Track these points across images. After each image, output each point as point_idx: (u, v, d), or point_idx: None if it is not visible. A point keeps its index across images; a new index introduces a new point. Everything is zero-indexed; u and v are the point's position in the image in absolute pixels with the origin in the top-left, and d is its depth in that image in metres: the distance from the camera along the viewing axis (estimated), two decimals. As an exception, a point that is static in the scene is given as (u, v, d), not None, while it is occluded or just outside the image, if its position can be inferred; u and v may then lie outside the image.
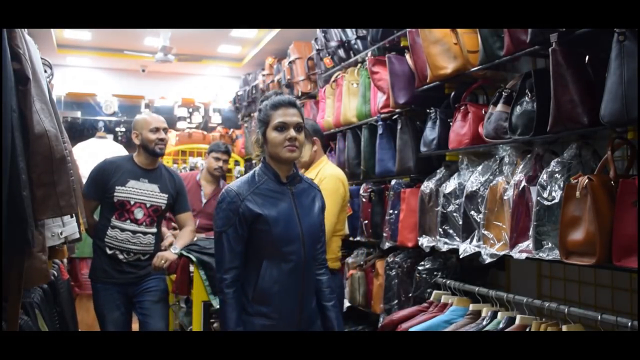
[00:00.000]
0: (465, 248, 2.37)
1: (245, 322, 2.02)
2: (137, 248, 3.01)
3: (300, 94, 4.74)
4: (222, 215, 2.03)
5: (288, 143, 2.03)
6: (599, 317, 1.85)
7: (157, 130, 3.06)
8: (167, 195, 3.10)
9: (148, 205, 3.04)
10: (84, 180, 3.12)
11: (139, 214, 3.01)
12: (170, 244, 3.40)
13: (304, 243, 2.06)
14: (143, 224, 3.02)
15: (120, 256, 3.00)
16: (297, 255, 2.04)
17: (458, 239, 2.45)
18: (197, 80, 8.32)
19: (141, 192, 3.05)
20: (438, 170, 2.77)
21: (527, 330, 2.07)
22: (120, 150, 5.51)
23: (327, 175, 2.94)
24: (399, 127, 3.02)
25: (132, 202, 3.01)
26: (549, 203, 1.96)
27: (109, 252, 3.00)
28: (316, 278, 2.18)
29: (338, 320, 2.20)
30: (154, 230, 3.07)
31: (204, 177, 4.25)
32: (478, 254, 2.31)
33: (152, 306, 3.02)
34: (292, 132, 2.03)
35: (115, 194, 3.00)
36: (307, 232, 2.07)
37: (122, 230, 3.00)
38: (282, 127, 2.03)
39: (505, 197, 2.17)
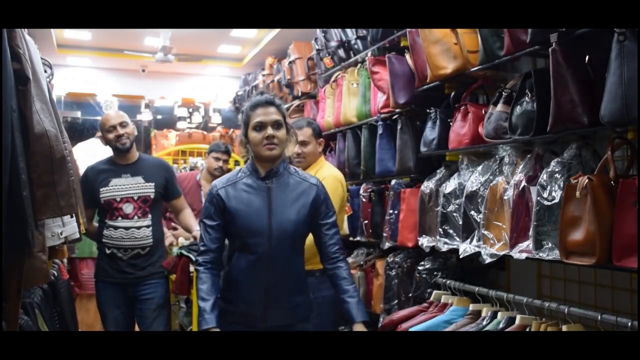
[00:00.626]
0: (465, 248, 2.37)
1: (219, 308, 2.11)
2: (134, 243, 3.03)
3: (300, 94, 4.73)
4: (204, 206, 2.21)
5: (266, 141, 2.10)
6: (599, 317, 1.85)
7: (113, 128, 3.08)
8: (153, 184, 3.12)
9: (136, 198, 3.06)
10: (84, 181, 3.13)
11: (127, 208, 3.04)
12: (171, 244, 3.42)
13: (271, 237, 2.11)
14: (135, 218, 3.04)
15: (119, 254, 3.02)
16: (262, 247, 2.10)
17: (458, 239, 2.45)
18: (197, 80, 8.32)
19: (126, 187, 3.07)
20: (438, 170, 2.76)
21: (527, 330, 2.07)
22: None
23: (325, 175, 2.95)
24: (399, 127, 3.02)
25: (118, 199, 3.03)
26: (549, 203, 1.96)
27: (107, 251, 3.04)
28: (330, 273, 2.21)
29: (357, 309, 2.13)
30: (148, 222, 3.08)
31: (204, 177, 4.26)
32: (478, 254, 2.31)
33: (150, 315, 3.07)
34: (269, 131, 2.10)
35: (101, 195, 3.04)
36: (278, 226, 2.11)
37: (116, 228, 3.02)
38: (260, 126, 2.11)
39: (505, 197, 2.17)
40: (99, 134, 5.86)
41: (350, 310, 2.13)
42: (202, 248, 2.16)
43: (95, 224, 3.17)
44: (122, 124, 3.10)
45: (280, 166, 2.17)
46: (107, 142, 3.14)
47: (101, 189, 3.04)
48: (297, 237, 2.19)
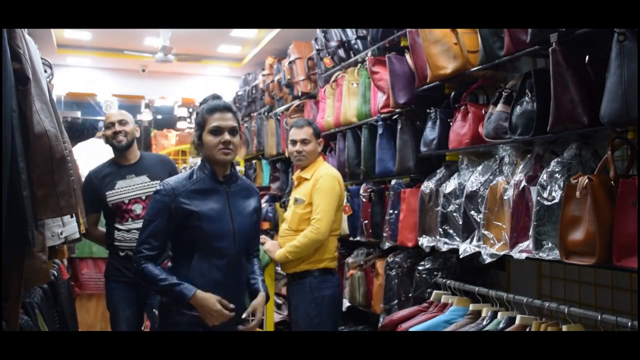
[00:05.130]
0: (465, 248, 2.37)
1: (174, 313, 2.11)
2: None
3: (300, 94, 4.73)
4: (153, 205, 2.15)
5: (222, 146, 2.13)
6: (599, 317, 1.85)
7: (111, 125, 3.09)
8: (159, 181, 3.10)
9: (144, 198, 3.05)
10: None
11: (137, 209, 3.02)
12: None
13: (235, 239, 2.16)
14: None
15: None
16: (228, 250, 2.14)
17: (458, 239, 2.45)
18: (197, 80, 8.33)
19: (132, 188, 3.05)
20: (438, 170, 2.76)
21: (527, 330, 2.07)
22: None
23: (322, 174, 2.96)
24: (399, 127, 3.02)
25: (126, 201, 3.01)
26: (549, 203, 1.96)
27: (121, 254, 3.02)
28: (247, 266, 2.31)
29: (262, 284, 2.31)
30: None
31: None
32: (478, 254, 2.31)
33: None
34: (226, 136, 2.13)
35: (108, 199, 3.02)
36: (239, 229, 2.18)
37: (128, 231, 3.00)
38: (217, 131, 2.13)
39: (505, 197, 2.17)
40: (99, 133, 5.91)
41: (257, 283, 2.29)
42: (149, 253, 2.08)
43: (101, 228, 3.16)
44: (121, 122, 3.10)
45: (233, 171, 2.23)
46: (106, 139, 3.14)
47: (107, 193, 3.02)
48: (251, 238, 2.31)
